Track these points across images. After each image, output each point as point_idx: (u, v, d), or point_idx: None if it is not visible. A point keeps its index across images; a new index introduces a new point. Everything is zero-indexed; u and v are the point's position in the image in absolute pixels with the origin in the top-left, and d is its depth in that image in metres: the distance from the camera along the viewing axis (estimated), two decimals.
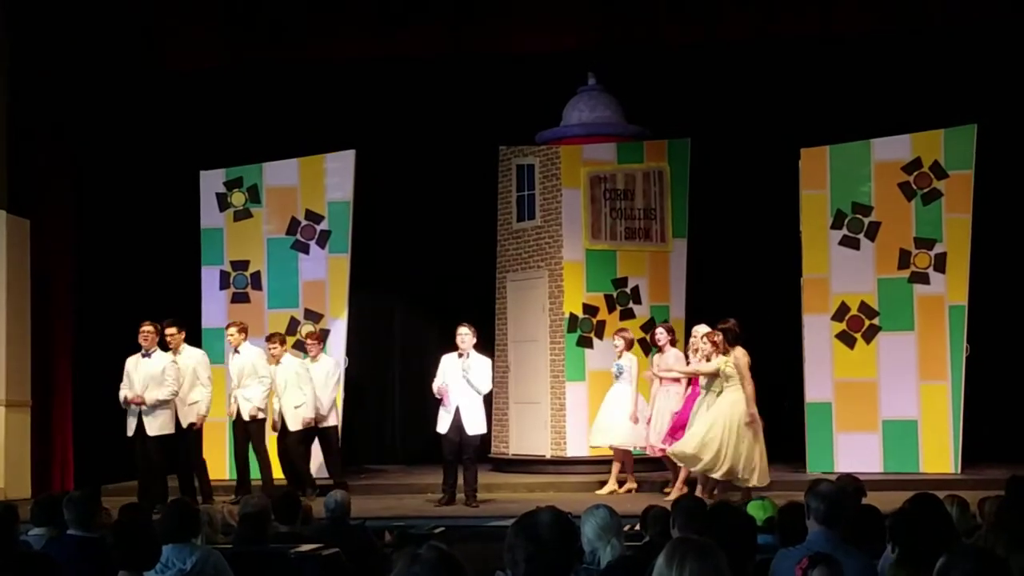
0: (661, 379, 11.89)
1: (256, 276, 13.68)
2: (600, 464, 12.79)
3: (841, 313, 12.89)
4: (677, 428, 11.37)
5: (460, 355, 11.12)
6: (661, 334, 12.01)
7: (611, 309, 13.79)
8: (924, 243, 12.78)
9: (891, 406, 12.68)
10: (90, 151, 13.10)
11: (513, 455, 14.17)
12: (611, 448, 12.25)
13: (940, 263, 12.71)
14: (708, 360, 11.10)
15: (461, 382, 11.06)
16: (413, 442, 15.14)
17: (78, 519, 6.07)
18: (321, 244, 13.60)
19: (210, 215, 13.76)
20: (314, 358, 12.29)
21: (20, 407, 12.28)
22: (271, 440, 11.88)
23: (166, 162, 13.78)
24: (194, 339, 12.31)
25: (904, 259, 12.81)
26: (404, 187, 14.94)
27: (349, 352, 13.13)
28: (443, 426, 11.15)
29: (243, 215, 13.77)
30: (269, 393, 11.71)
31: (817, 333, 12.93)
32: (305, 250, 13.64)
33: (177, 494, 10.63)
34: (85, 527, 6.06)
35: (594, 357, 13.55)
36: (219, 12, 12.93)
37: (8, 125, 12.37)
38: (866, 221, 12.93)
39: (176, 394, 11.22)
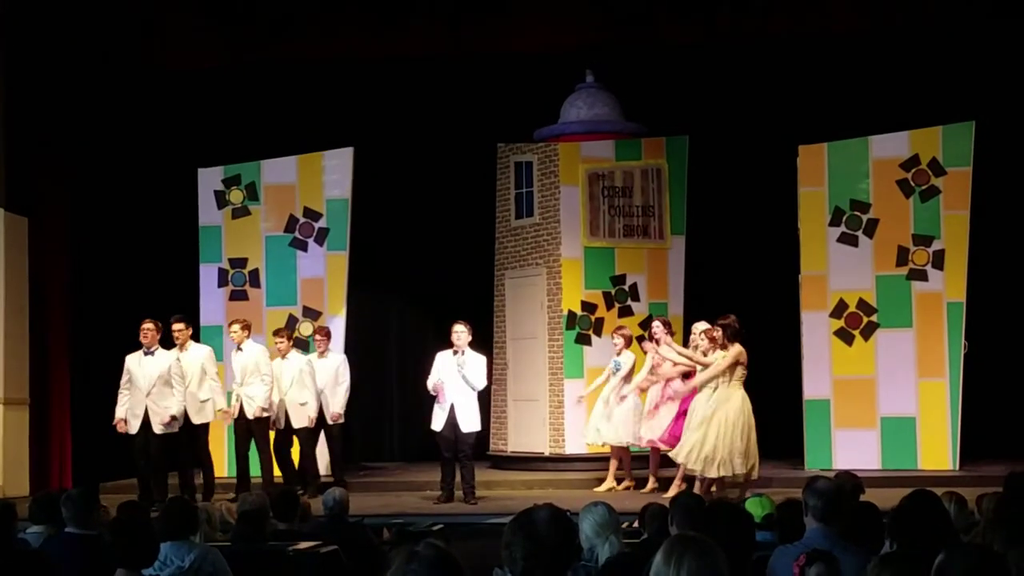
0: (662, 379, 11.89)
1: (254, 274, 13.68)
2: (598, 461, 12.80)
3: (839, 310, 12.89)
4: (678, 428, 11.39)
5: (455, 352, 11.13)
6: (658, 328, 12.01)
7: (609, 306, 13.79)
8: (922, 240, 12.78)
9: (889, 403, 12.69)
10: (88, 149, 13.08)
11: (512, 452, 14.17)
12: (609, 446, 12.26)
13: (938, 260, 12.71)
14: (705, 356, 11.12)
15: (456, 379, 11.07)
16: (411, 439, 15.14)
17: (76, 517, 6.06)
18: (319, 242, 13.60)
19: (208, 213, 13.77)
20: (321, 354, 12.31)
21: (18, 405, 12.27)
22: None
23: (164, 160, 13.78)
24: (192, 337, 12.28)
25: (902, 256, 12.81)
26: (402, 185, 14.93)
27: (347, 349, 13.13)
28: (438, 423, 11.16)
29: (241, 213, 13.77)
30: (271, 391, 11.73)
31: (815, 330, 12.93)
32: (303, 248, 13.64)
33: (177, 492, 10.64)
34: (83, 525, 6.06)
35: (592, 354, 13.55)
36: (217, 10, 12.90)
37: (6, 123, 12.35)
38: (864, 218, 12.93)
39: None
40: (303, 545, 6.60)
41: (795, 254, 13.06)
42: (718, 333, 10.93)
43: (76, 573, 5.63)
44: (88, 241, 13.07)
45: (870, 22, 12.66)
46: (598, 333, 13.61)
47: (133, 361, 11.20)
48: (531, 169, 14.20)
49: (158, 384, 11.09)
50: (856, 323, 12.86)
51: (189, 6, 13.00)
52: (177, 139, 13.92)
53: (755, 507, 6.37)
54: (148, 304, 11.89)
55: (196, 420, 11.48)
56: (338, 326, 13.24)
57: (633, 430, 12.00)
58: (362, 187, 13.68)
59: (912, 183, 12.85)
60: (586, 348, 13.68)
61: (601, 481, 12.28)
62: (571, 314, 13.73)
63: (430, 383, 11.21)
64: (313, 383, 11.87)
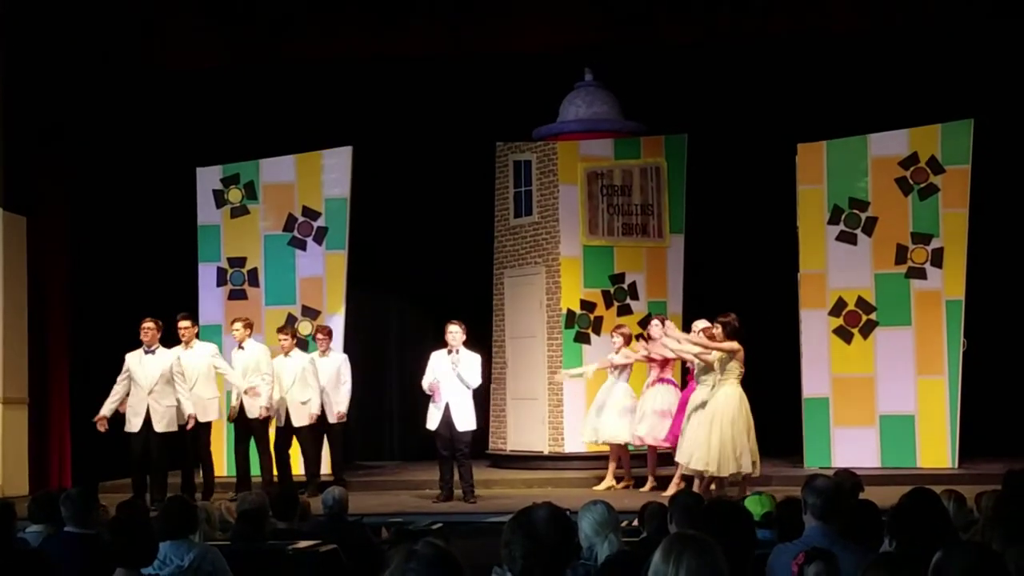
0: (656, 360, 11.86)
1: (253, 273, 13.68)
2: (598, 460, 12.80)
3: (838, 308, 12.90)
4: (677, 427, 11.39)
5: (449, 351, 11.15)
6: (656, 327, 12.01)
7: (608, 305, 13.79)
8: (921, 238, 12.79)
9: (888, 401, 12.69)
10: (87, 148, 13.08)
11: (511, 451, 14.17)
12: (608, 444, 12.26)
13: (937, 258, 12.71)
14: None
15: (451, 378, 11.08)
16: (410, 438, 15.13)
17: (75, 516, 6.06)
18: (318, 241, 13.60)
19: (207, 212, 13.76)
20: (323, 353, 12.32)
21: (17, 404, 12.27)
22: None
23: (163, 159, 13.78)
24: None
25: (901, 254, 12.81)
26: (401, 184, 14.93)
27: (346, 348, 13.13)
28: (433, 422, 11.18)
29: (240, 212, 13.77)
30: (271, 389, 11.75)
31: (814, 328, 12.93)
32: (302, 247, 13.64)
33: (177, 491, 10.64)
34: (82, 524, 6.06)
35: (591, 353, 13.54)
36: (217, 10, 12.90)
37: (5, 122, 12.35)
38: (863, 216, 12.93)
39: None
40: (302, 544, 6.60)
41: (794, 252, 13.06)
42: (717, 331, 10.92)
43: (75, 572, 5.63)
44: (87, 240, 13.06)
45: (869, 21, 12.66)
46: (597, 332, 13.61)
47: (134, 359, 11.19)
48: (530, 168, 14.20)
49: (160, 383, 11.10)
50: (855, 321, 12.86)
51: (189, 6, 13.00)
52: (176, 138, 13.91)
53: (754, 505, 6.38)
54: (147, 303, 11.89)
55: (199, 418, 11.48)
56: (337, 325, 13.24)
57: (630, 429, 11.98)
58: (361, 186, 13.68)
59: (911, 181, 12.86)
60: (585, 347, 13.67)
61: (600, 480, 12.28)
62: (570, 313, 13.74)
63: (425, 383, 11.23)
64: (316, 382, 11.88)
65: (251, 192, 13.76)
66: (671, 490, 10.68)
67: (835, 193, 13.00)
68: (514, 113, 14.33)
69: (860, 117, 13.30)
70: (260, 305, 13.57)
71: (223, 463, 12.75)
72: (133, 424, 11.14)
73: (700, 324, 11.46)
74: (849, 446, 12.60)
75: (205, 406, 11.54)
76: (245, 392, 11.60)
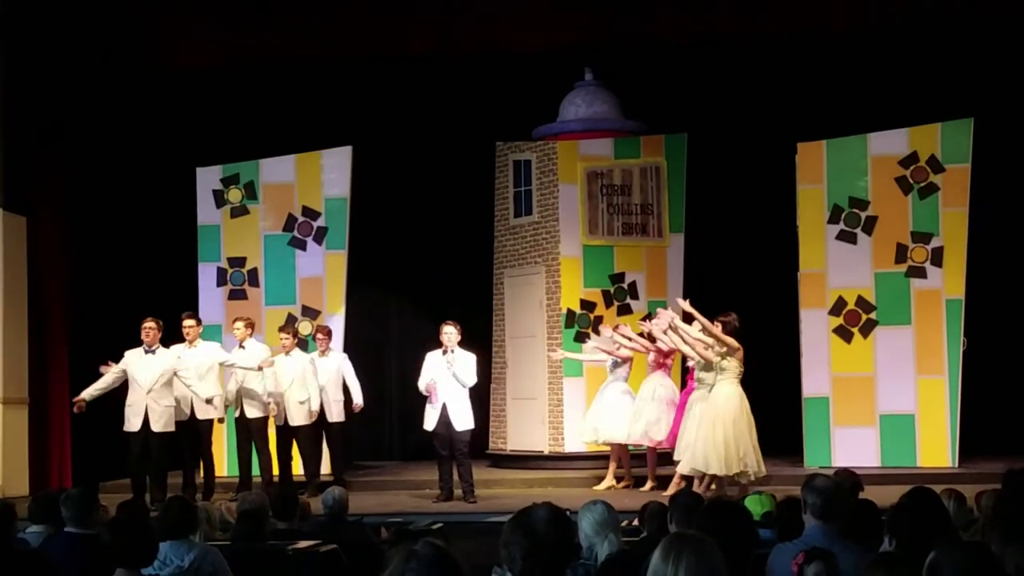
0: (657, 351, 11.86)
1: (253, 273, 13.68)
2: (598, 460, 12.80)
3: (838, 308, 12.90)
4: (676, 427, 11.38)
5: (444, 352, 11.15)
6: (657, 325, 11.99)
7: (608, 304, 13.79)
8: (921, 237, 12.79)
9: (888, 400, 12.69)
10: (86, 148, 13.08)
11: (511, 451, 14.17)
12: (609, 444, 12.26)
13: (937, 257, 12.71)
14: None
15: (447, 378, 11.09)
16: (410, 438, 15.13)
17: (75, 516, 6.06)
18: (318, 241, 13.60)
19: (207, 212, 13.76)
20: (323, 353, 12.33)
21: (18, 404, 12.27)
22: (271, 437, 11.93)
23: (163, 159, 13.79)
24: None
25: (901, 253, 12.81)
26: (401, 183, 14.94)
27: (346, 348, 13.13)
28: (430, 423, 11.19)
29: (240, 212, 13.77)
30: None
31: (814, 328, 12.93)
32: (302, 247, 13.64)
33: (177, 491, 10.64)
34: (83, 524, 6.05)
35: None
36: (217, 10, 12.90)
37: (5, 122, 12.35)
38: (863, 215, 12.94)
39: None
40: (302, 544, 6.60)
41: (794, 252, 13.06)
42: (717, 329, 10.91)
43: (76, 573, 5.63)
44: (87, 240, 13.07)
45: (869, 20, 12.66)
46: (597, 331, 13.60)
47: (133, 357, 11.20)
48: (530, 167, 14.19)
49: (159, 383, 11.11)
50: (855, 320, 12.87)
51: (189, 6, 13.00)
52: (176, 138, 13.92)
53: (754, 505, 6.39)
54: (147, 303, 11.89)
55: (200, 416, 11.50)
56: (337, 325, 13.24)
57: (629, 429, 11.97)
58: (361, 186, 13.68)
59: (911, 180, 12.86)
60: (585, 347, 13.66)
61: (600, 479, 12.28)
62: (570, 312, 13.74)
63: (422, 384, 11.24)
64: (315, 381, 11.89)
65: (251, 192, 13.76)
66: (671, 490, 10.68)
67: (835, 192, 13.00)
68: (514, 113, 14.34)
69: (860, 116, 13.30)
70: (260, 305, 13.57)
71: (224, 463, 12.75)
72: (132, 424, 11.15)
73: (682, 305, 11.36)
74: (849, 445, 12.60)
75: (205, 404, 11.54)
76: (259, 368, 11.59)
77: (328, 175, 13.65)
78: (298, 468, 12.08)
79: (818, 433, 12.81)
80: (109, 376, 11.19)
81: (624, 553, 4.95)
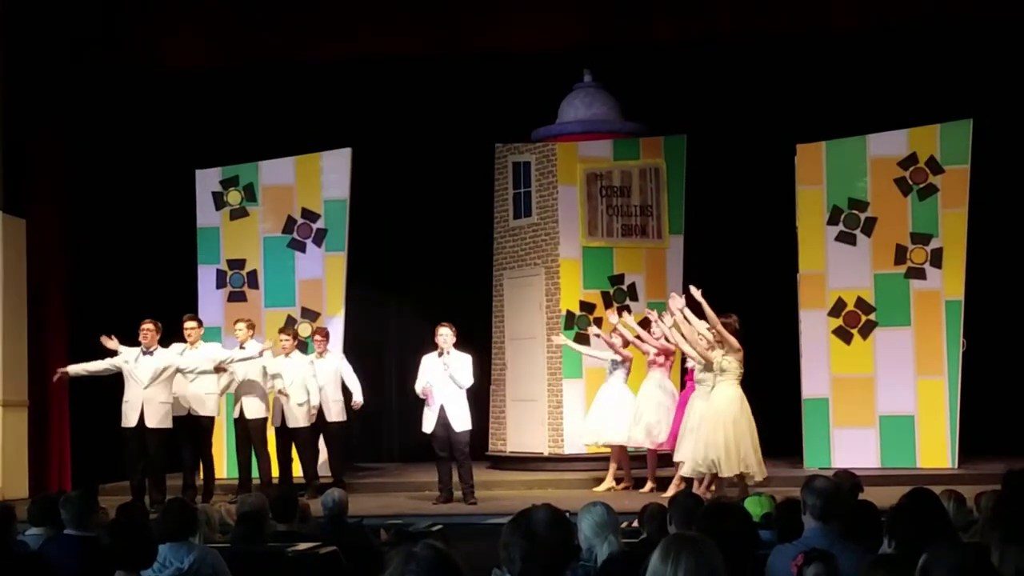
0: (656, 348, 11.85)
1: (252, 275, 13.68)
2: (598, 461, 12.80)
3: (838, 309, 12.90)
4: (676, 429, 11.38)
5: (440, 353, 11.15)
6: (657, 324, 12.00)
7: (608, 306, 13.76)
8: (920, 238, 12.79)
9: (888, 401, 12.69)
10: (86, 150, 13.08)
11: (511, 453, 14.16)
12: (609, 446, 12.25)
13: (936, 258, 12.71)
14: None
15: (444, 380, 11.09)
16: (410, 440, 15.09)
17: (75, 519, 6.06)
18: (317, 242, 13.60)
19: (206, 214, 13.76)
20: (320, 355, 12.33)
21: (17, 407, 12.27)
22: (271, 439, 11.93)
23: (162, 161, 13.78)
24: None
25: (900, 254, 12.81)
26: (400, 185, 14.94)
27: (346, 350, 13.13)
28: (428, 425, 11.19)
29: (239, 214, 13.77)
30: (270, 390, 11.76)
31: (814, 329, 12.93)
32: (302, 248, 13.64)
33: (176, 493, 10.64)
34: (82, 527, 6.06)
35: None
36: (216, 10, 12.90)
37: (4, 122, 12.36)
38: (862, 217, 12.94)
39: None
40: (302, 546, 6.60)
41: (793, 253, 13.06)
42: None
43: (75, 575, 5.63)
44: (86, 242, 13.06)
45: (868, 21, 12.66)
46: (598, 325, 13.59)
47: (131, 355, 11.22)
48: (529, 169, 14.20)
49: (155, 381, 11.12)
50: (854, 322, 12.87)
51: (189, 8, 13.00)
52: (175, 140, 13.92)
53: (754, 506, 6.38)
54: (146, 305, 11.89)
55: (196, 411, 11.50)
56: (337, 327, 13.25)
57: (630, 431, 11.96)
58: (360, 188, 13.67)
59: (910, 181, 12.86)
60: (585, 348, 13.65)
61: (600, 481, 12.28)
62: (569, 314, 13.74)
63: (418, 387, 11.24)
64: (314, 383, 11.90)
65: (250, 194, 13.76)
66: (671, 491, 10.68)
67: (834, 193, 13.00)
68: (513, 114, 14.34)
69: (859, 117, 13.30)
70: (260, 307, 13.56)
71: (223, 465, 12.75)
72: (129, 419, 11.18)
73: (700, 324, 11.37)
74: (849, 446, 12.60)
75: (203, 400, 11.56)
76: (259, 353, 11.60)
77: (327, 177, 13.64)
78: (297, 470, 12.08)
79: (818, 434, 12.80)
80: (101, 364, 11.30)
81: (624, 554, 4.95)
